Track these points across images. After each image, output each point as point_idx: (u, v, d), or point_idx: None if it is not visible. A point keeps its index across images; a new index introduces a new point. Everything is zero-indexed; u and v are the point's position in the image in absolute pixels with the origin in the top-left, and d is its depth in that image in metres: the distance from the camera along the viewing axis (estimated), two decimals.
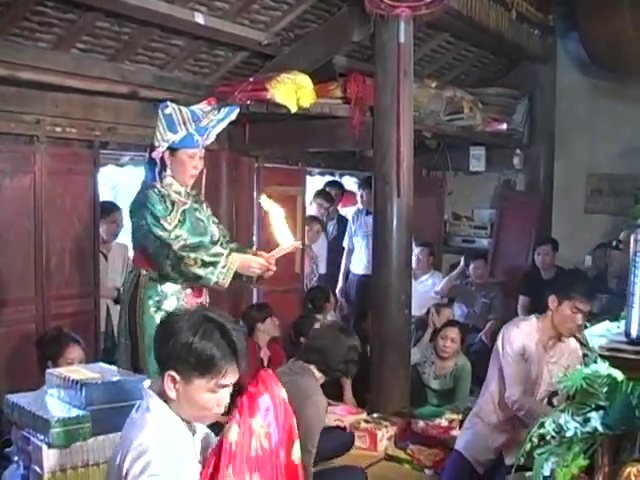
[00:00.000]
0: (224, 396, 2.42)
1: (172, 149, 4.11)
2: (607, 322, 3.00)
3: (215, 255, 4.03)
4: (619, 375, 2.55)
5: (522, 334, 4.27)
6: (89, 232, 5.48)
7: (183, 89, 5.85)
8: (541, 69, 8.04)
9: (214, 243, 4.30)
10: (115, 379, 3.22)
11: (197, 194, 4.44)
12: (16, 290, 5.02)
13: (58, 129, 5.22)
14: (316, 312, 6.43)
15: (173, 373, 2.36)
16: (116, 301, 5.87)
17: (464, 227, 8.78)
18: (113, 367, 3.60)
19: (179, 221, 4.10)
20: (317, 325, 5.93)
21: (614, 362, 2.16)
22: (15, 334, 5.02)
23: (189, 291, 4.20)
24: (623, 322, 2.20)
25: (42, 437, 3.02)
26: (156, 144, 4.08)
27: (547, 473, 2.65)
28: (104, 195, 6.11)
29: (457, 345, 5.75)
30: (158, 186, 4.11)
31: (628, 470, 2.07)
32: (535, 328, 4.30)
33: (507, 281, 7.67)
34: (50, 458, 3.01)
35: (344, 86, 5.75)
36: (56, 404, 3.21)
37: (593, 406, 2.67)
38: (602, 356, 2.22)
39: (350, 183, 9.05)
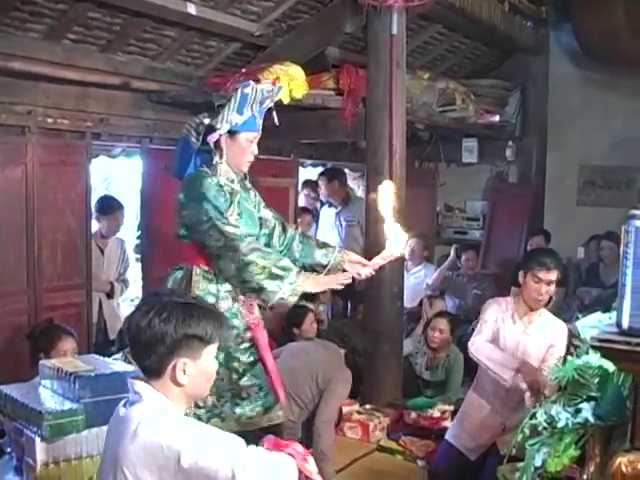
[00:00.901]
0: (215, 361, 2.49)
1: (231, 132, 3.73)
2: (599, 313, 3.02)
3: (284, 269, 3.61)
4: (610, 366, 2.56)
5: (496, 307, 4.46)
6: (81, 224, 5.46)
7: (175, 80, 5.84)
8: (534, 61, 8.05)
9: (271, 232, 3.98)
10: (108, 371, 3.21)
11: (243, 179, 4.02)
12: (8, 282, 5.00)
13: (50, 120, 5.20)
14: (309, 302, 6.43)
15: (183, 359, 2.36)
16: (109, 295, 5.89)
17: (456, 219, 8.80)
18: (107, 359, 3.60)
19: (238, 214, 3.76)
20: (310, 315, 5.97)
21: (605, 353, 2.17)
22: (7, 326, 5.01)
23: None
24: (615, 313, 2.21)
25: (35, 429, 3.01)
26: (217, 126, 3.69)
27: (538, 464, 2.67)
28: (96, 187, 6.11)
29: (446, 336, 5.76)
30: (213, 175, 3.75)
31: (619, 460, 2.08)
32: (511, 304, 4.46)
33: (499, 273, 7.69)
34: (43, 450, 3.00)
35: (337, 77, 5.75)
36: (49, 396, 3.20)
37: (584, 397, 2.69)
38: (594, 347, 2.22)
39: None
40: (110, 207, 5.81)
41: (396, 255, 3.78)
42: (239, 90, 3.70)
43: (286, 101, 5.47)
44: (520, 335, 4.37)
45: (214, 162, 3.77)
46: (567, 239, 7.61)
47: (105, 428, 3.04)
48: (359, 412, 5.35)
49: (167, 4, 4.98)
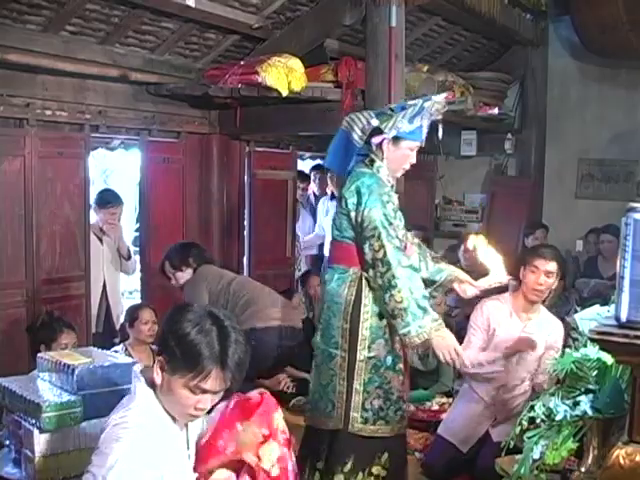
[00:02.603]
0: (204, 401, 2.33)
1: (395, 137, 3.68)
2: (597, 306, 3.02)
3: (422, 309, 3.51)
4: (609, 359, 2.56)
5: (490, 307, 4.49)
6: (80, 216, 5.46)
7: (174, 72, 5.83)
8: (533, 54, 8.03)
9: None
10: (107, 363, 3.21)
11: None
12: (6, 274, 5.01)
13: (48, 112, 5.20)
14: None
15: (162, 359, 2.34)
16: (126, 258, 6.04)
17: (455, 211, 8.80)
18: (105, 351, 3.60)
19: (399, 219, 3.69)
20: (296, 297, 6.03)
21: (604, 346, 2.17)
22: (5, 318, 5.02)
23: None
24: (613, 306, 2.21)
25: (33, 421, 3.02)
26: (386, 130, 3.64)
27: (537, 456, 2.67)
28: (95, 179, 6.11)
29: None
30: (381, 177, 3.69)
31: (617, 453, 2.08)
32: (508, 301, 4.49)
33: None
34: (41, 442, 3.01)
35: (335, 70, 5.73)
36: (47, 388, 3.21)
37: (583, 390, 2.69)
38: (592, 340, 2.22)
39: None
40: (108, 200, 5.81)
41: (503, 282, 3.93)
42: (420, 102, 3.69)
43: (284, 93, 5.47)
44: (519, 333, 4.37)
45: (375, 164, 3.73)
46: (566, 232, 7.61)
47: (103, 420, 3.06)
48: None
49: None
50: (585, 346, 2.78)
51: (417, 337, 3.48)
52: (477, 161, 8.53)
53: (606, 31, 6.79)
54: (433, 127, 7.55)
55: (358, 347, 3.66)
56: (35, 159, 5.09)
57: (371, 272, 3.58)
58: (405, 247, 3.77)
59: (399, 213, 3.72)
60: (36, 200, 5.12)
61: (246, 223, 6.96)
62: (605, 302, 2.95)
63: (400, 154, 3.73)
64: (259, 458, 2.42)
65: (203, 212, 6.53)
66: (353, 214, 3.64)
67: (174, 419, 2.41)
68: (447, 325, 3.66)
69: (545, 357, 4.24)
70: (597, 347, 2.49)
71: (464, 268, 7.36)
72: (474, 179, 8.76)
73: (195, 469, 2.44)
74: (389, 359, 3.69)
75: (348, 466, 3.69)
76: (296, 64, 5.53)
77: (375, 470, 3.72)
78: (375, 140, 3.68)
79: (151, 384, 2.39)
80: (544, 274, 4.29)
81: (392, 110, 3.78)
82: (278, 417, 2.52)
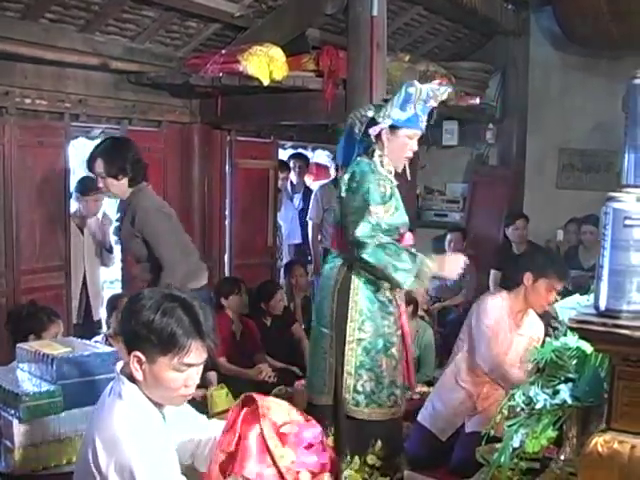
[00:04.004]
0: (192, 375, 2.37)
1: (393, 127, 3.83)
2: (577, 295, 3.03)
3: (408, 260, 3.71)
4: (588, 348, 2.58)
5: (495, 307, 4.44)
6: (60, 205, 5.43)
7: (154, 61, 5.79)
8: (515, 44, 8.05)
9: None
10: (86, 353, 3.21)
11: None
12: None
13: (27, 101, 5.15)
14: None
15: (138, 353, 2.32)
16: (108, 250, 5.95)
17: (436, 201, 8.83)
18: (85, 341, 3.59)
19: (395, 208, 3.86)
20: (280, 292, 6.13)
21: (583, 334, 2.18)
22: None
23: None
24: (592, 295, 2.22)
25: (13, 412, 3.01)
26: (379, 119, 3.80)
27: (517, 444, 2.68)
28: (75, 168, 6.06)
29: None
30: (378, 166, 3.86)
31: (595, 440, 2.10)
32: (506, 302, 4.45)
33: (479, 255, 7.70)
34: (21, 432, 3.01)
35: (317, 59, 5.72)
36: (27, 378, 3.20)
37: (562, 378, 2.70)
38: (571, 328, 2.23)
39: (322, 157, 9.05)
40: (90, 187, 5.74)
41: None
42: (403, 88, 3.80)
43: (266, 83, 5.45)
44: (513, 335, 4.39)
45: (376, 154, 3.88)
46: (546, 222, 7.66)
47: (84, 410, 3.06)
48: None
49: None
50: (565, 335, 2.79)
51: (418, 283, 3.78)
52: (458, 151, 8.56)
53: (587, 21, 6.81)
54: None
55: (347, 328, 3.82)
56: (14, 148, 5.05)
57: (355, 252, 3.74)
58: (402, 236, 3.92)
59: (395, 201, 3.86)
60: (15, 189, 5.07)
61: (227, 213, 6.95)
62: (585, 291, 2.96)
63: (399, 143, 3.88)
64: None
65: (184, 202, 6.51)
66: (345, 200, 3.83)
67: (160, 410, 2.44)
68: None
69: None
70: (577, 336, 2.50)
71: None
72: (455, 169, 8.79)
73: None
74: (380, 342, 3.83)
75: (347, 451, 3.82)
76: (277, 53, 5.51)
77: (370, 460, 3.83)
78: (373, 130, 3.82)
79: (133, 379, 2.39)
80: (556, 293, 4.30)
81: (386, 101, 3.93)
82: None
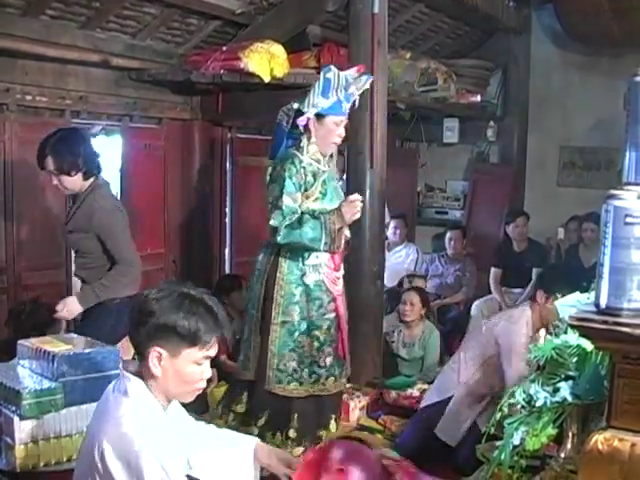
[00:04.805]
0: (207, 368, 2.45)
1: (319, 115, 4.04)
2: (578, 293, 3.03)
3: (314, 227, 4.00)
4: (589, 345, 2.58)
5: (522, 329, 4.35)
6: (60, 202, 5.42)
7: (155, 58, 5.79)
8: (515, 41, 8.04)
9: None
10: (87, 350, 3.20)
11: (329, 159, 4.31)
12: None
13: (28, 97, 5.16)
14: None
15: (159, 349, 2.35)
16: None
17: (437, 199, 8.83)
18: (86, 338, 3.58)
19: (320, 193, 4.10)
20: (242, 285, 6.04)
21: (583, 332, 2.18)
22: None
23: (330, 264, 4.18)
24: (593, 293, 2.22)
25: (13, 408, 3.00)
26: (305, 109, 4.00)
27: (517, 442, 2.69)
28: None
29: (418, 308, 5.79)
30: (300, 155, 4.08)
31: (595, 438, 2.10)
32: (529, 320, 4.39)
33: (479, 253, 7.71)
34: (22, 429, 3.00)
35: (318, 56, 5.72)
36: (27, 375, 3.19)
37: (563, 376, 2.70)
38: (572, 326, 2.23)
39: None
40: None
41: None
42: (321, 75, 4.01)
43: (267, 80, 5.45)
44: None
45: (302, 144, 4.09)
46: (547, 220, 7.64)
47: (85, 407, 3.06)
48: None
49: None
50: (565, 333, 2.79)
51: (333, 244, 4.01)
52: (459, 148, 8.56)
53: (588, 19, 6.81)
54: (413, 115, 7.63)
55: (272, 311, 4.13)
56: (15, 145, 5.05)
57: (273, 238, 4.06)
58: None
59: (322, 187, 4.11)
60: (16, 186, 5.08)
61: (227, 210, 6.95)
62: (585, 289, 2.96)
63: (326, 130, 4.09)
64: None
65: (185, 199, 6.51)
66: (268, 191, 4.13)
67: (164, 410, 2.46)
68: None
69: None
70: (577, 333, 2.50)
71: (450, 256, 7.45)
72: (456, 166, 8.78)
73: None
74: (303, 325, 4.14)
75: (262, 421, 4.16)
76: (278, 50, 5.51)
77: (292, 433, 4.14)
78: (300, 121, 4.02)
79: (140, 377, 2.41)
80: None
81: (308, 92, 4.10)
82: None
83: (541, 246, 7.40)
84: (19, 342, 3.39)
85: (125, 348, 4.52)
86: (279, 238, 4.00)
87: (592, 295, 2.28)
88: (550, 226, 7.68)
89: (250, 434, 3.76)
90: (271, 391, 4.15)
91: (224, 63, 5.49)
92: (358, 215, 4.12)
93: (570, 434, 2.69)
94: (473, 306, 6.89)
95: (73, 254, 4.62)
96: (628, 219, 2.06)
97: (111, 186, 4.55)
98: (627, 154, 2.20)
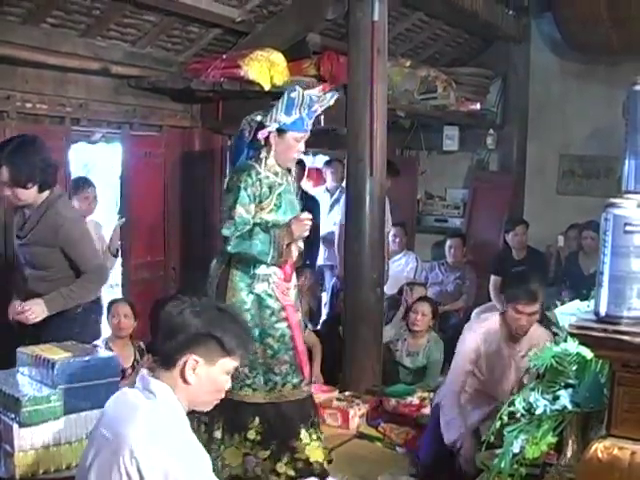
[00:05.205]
0: (230, 379, 2.53)
1: (280, 130, 4.10)
2: (577, 301, 3.04)
3: (263, 240, 4.06)
4: (588, 354, 2.58)
5: (477, 335, 4.29)
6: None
7: (155, 66, 5.79)
8: (515, 49, 8.06)
9: None
10: (87, 357, 3.20)
11: (287, 173, 4.37)
12: None
13: (28, 105, 5.15)
14: None
15: (195, 357, 2.40)
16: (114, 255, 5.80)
17: (437, 207, 8.84)
18: (86, 345, 3.58)
19: (275, 205, 4.15)
20: None
21: (583, 340, 2.18)
22: None
23: (280, 275, 4.22)
24: (593, 301, 2.22)
25: (13, 416, 3.00)
26: (266, 123, 4.06)
27: (517, 450, 2.69)
28: (75, 173, 6.05)
29: (428, 319, 5.79)
30: (258, 167, 4.13)
31: (595, 446, 2.10)
32: (496, 327, 4.29)
33: (479, 261, 7.71)
34: (21, 437, 2.99)
35: (318, 64, 5.73)
36: (27, 382, 3.19)
37: (562, 384, 2.71)
38: (572, 334, 2.24)
39: (322, 162, 9.03)
40: (78, 185, 5.63)
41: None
42: (286, 93, 4.07)
43: (267, 88, 5.46)
44: (512, 356, 4.22)
45: (261, 156, 4.14)
46: (547, 227, 7.65)
47: (84, 414, 3.05)
48: (339, 399, 5.35)
49: None
50: (565, 341, 2.79)
51: (275, 251, 4.04)
52: (459, 156, 8.57)
53: (587, 28, 6.84)
54: (413, 123, 7.66)
55: None
56: None
57: (223, 247, 4.14)
58: None
59: (277, 199, 4.15)
60: None
61: None
62: (585, 297, 2.96)
63: (286, 145, 4.15)
64: None
65: (184, 206, 6.51)
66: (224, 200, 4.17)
67: None
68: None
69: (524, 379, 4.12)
70: (577, 342, 2.50)
71: (450, 264, 7.46)
72: (456, 174, 8.80)
73: None
74: (255, 332, 4.12)
75: (219, 424, 4.14)
76: (278, 58, 5.52)
77: (250, 435, 4.15)
78: (262, 134, 4.10)
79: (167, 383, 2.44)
80: (527, 315, 4.11)
81: (273, 106, 4.14)
82: None
83: (541, 254, 7.40)
84: (19, 349, 3.38)
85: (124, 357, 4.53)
86: (229, 247, 4.08)
87: (592, 303, 2.28)
88: (550, 234, 7.68)
89: (213, 438, 4.10)
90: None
91: (224, 71, 5.49)
92: (306, 233, 4.18)
93: (570, 442, 2.69)
94: (473, 314, 6.87)
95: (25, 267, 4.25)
96: (628, 227, 2.06)
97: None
98: (626, 162, 2.21)
